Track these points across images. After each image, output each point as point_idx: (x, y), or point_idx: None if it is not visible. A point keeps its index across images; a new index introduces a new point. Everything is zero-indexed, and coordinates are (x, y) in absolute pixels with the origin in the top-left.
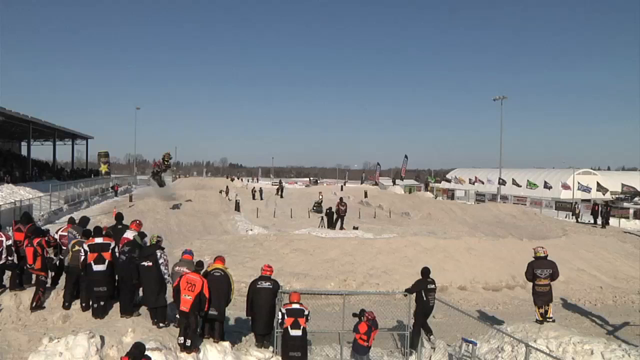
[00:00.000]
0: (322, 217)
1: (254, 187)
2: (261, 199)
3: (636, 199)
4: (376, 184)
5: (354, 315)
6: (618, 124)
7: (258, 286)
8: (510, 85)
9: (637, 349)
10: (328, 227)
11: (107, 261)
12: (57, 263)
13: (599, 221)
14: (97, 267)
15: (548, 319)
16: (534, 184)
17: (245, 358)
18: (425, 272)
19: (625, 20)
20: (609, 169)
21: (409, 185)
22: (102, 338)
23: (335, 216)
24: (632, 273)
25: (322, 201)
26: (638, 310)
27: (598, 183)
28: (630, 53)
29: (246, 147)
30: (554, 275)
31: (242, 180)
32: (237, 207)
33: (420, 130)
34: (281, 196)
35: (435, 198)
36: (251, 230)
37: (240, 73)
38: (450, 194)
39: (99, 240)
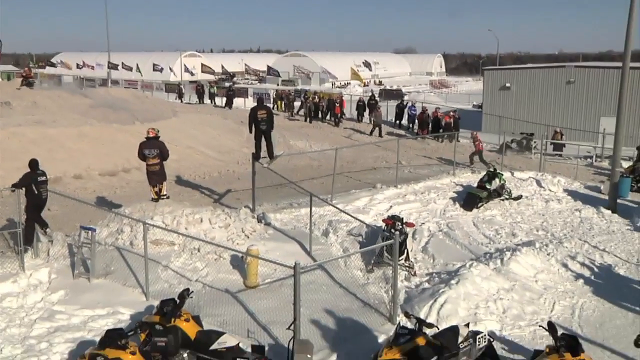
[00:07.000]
0: None
1: None
2: None
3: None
4: None
5: None
6: None
7: None
8: None
9: (237, 210)
10: None
11: None
12: None
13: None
14: None
15: (163, 196)
16: (140, 72)
17: None
18: (34, 164)
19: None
20: (212, 51)
21: (6, 72)
22: None
23: None
24: (233, 146)
25: None
26: (237, 178)
27: (202, 64)
28: None
29: None
30: (163, 155)
31: None
32: None
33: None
34: None
35: (41, 85)
36: None
37: None
38: (58, 80)
39: None
